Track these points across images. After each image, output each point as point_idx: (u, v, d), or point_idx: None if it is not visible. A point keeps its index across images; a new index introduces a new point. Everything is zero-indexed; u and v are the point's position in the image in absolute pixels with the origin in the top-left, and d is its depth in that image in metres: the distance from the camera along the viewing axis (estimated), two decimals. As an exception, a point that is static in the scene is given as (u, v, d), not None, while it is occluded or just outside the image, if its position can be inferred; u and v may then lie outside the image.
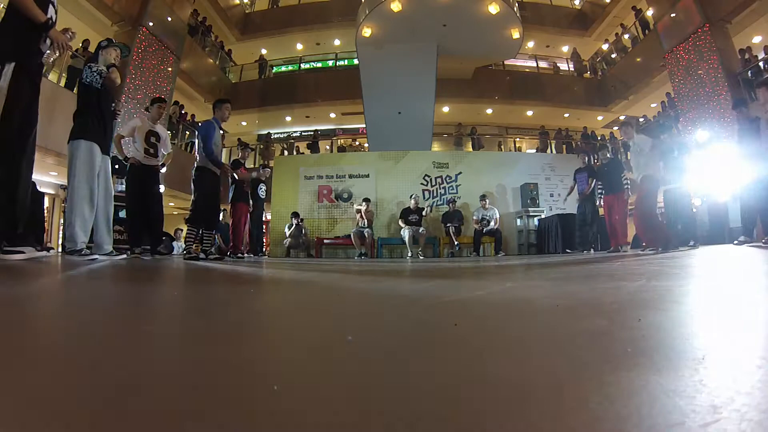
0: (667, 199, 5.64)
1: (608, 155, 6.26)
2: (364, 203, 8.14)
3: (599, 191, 6.21)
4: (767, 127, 4.20)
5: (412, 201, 7.98)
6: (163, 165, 4.55)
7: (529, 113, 15.37)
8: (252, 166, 12.33)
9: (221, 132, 4.35)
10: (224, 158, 10.60)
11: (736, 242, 4.55)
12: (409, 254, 7.65)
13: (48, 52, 2.50)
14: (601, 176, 6.10)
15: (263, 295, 1.40)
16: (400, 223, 7.95)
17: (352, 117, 14.91)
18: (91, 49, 8.51)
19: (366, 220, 7.92)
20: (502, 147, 13.76)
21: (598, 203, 6.42)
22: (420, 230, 7.69)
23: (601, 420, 0.32)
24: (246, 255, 6.30)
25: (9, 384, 0.39)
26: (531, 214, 8.62)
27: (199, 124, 4.47)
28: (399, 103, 11.11)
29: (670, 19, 10.46)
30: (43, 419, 0.31)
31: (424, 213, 7.88)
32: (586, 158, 7.01)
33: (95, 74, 3.07)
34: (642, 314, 0.79)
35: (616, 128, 15.28)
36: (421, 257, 7.18)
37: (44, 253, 2.43)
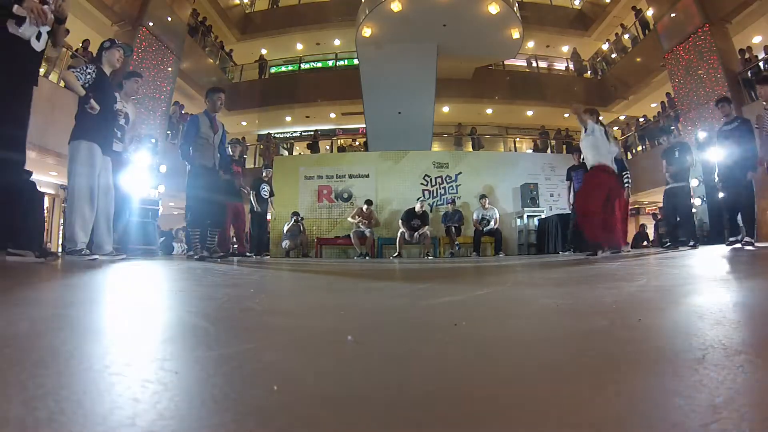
0: (668, 198, 5.62)
1: None
2: (365, 205, 8.08)
3: None
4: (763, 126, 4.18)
5: (418, 204, 7.78)
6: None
7: (529, 113, 15.37)
8: (253, 165, 12.34)
9: (210, 124, 4.04)
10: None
11: (740, 244, 4.50)
12: (395, 254, 7.57)
13: (25, 25, 2.25)
14: None
15: (260, 295, 1.40)
16: (401, 225, 7.78)
17: (352, 117, 14.91)
18: (92, 49, 8.51)
19: (366, 221, 7.88)
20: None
21: None
22: (424, 231, 7.56)
23: (602, 420, 0.32)
24: (248, 255, 6.29)
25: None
26: (531, 214, 8.62)
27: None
28: (399, 103, 11.10)
29: (670, 19, 10.45)
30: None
31: (420, 226, 7.69)
32: (580, 156, 6.98)
33: (88, 75, 3.07)
34: (642, 314, 0.79)
35: (616, 128, 15.30)
36: (430, 257, 7.15)
37: (41, 260, 2.36)
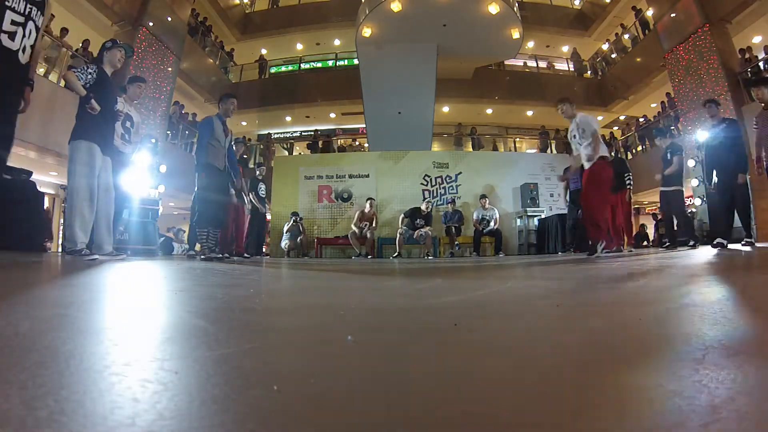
0: (662, 201, 5.71)
1: (612, 153, 6.27)
2: (368, 203, 8.04)
3: None
4: (763, 125, 4.18)
5: (424, 204, 7.77)
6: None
7: (529, 113, 15.38)
8: (253, 165, 12.34)
9: (223, 128, 4.14)
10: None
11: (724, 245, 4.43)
12: (395, 254, 7.55)
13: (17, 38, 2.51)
14: None
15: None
16: (401, 222, 7.74)
17: (352, 117, 14.90)
18: (92, 49, 8.51)
19: (367, 223, 7.85)
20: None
21: None
22: (425, 231, 7.52)
23: (602, 420, 0.32)
24: (246, 255, 6.28)
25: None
26: (531, 214, 8.62)
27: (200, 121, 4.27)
28: (399, 103, 11.09)
29: (670, 19, 10.45)
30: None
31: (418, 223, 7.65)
32: None
33: (89, 75, 3.07)
34: (642, 314, 0.79)
35: (616, 128, 15.30)
36: (430, 257, 7.15)
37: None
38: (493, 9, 9.55)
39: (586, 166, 4.09)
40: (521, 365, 0.50)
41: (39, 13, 2.66)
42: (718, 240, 4.28)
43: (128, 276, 1.92)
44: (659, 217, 10.03)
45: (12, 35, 2.45)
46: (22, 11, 2.52)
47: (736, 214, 4.52)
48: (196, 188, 4.13)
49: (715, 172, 4.61)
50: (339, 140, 14.65)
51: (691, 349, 0.51)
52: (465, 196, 9.07)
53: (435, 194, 9.20)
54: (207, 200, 4.10)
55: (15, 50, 2.49)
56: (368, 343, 0.62)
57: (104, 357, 0.50)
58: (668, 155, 5.56)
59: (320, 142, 13.09)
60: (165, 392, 0.37)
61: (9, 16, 2.44)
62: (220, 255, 4.32)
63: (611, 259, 3.44)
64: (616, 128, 15.29)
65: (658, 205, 6.85)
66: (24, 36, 2.53)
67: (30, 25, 2.58)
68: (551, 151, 13.12)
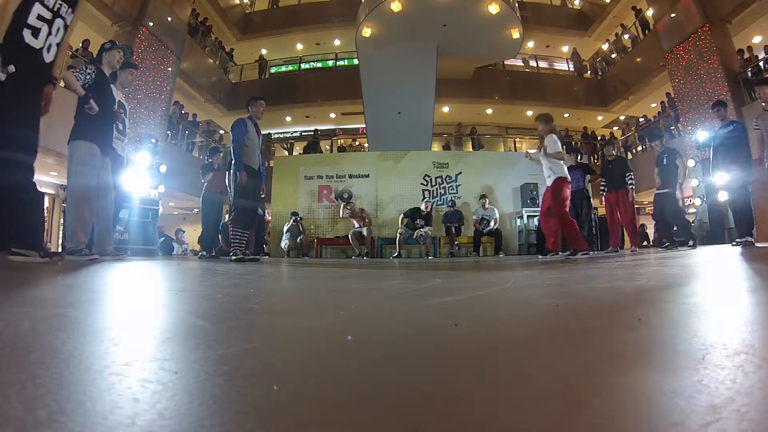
0: (656, 202, 5.77)
1: (613, 152, 6.28)
2: (348, 206, 8.02)
3: (602, 188, 6.14)
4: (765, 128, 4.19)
5: (423, 204, 7.79)
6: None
7: (529, 113, 15.40)
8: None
9: (256, 129, 4.29)
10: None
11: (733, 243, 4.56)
12: (395, 253, 7.57)
13: (41, 36, 2.38)
14: (605, 173, 6.06)
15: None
16: (401, 222, 7.75)
17: (352, 117, 14.91)
18: (92, 49, 8.51)
19: (359, 220, 7.85)
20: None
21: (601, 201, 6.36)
22: (425, 231, 7.53)
23: (602, 421, 0.32)
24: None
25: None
26: (531, 214, 8.61)
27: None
28: (399, 103, 11.10)
29: (670, 19, 10.45)
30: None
31: (419, 224, 7.66)
32: (578, 156, 6.98)
33: (87, 75, 3.09)
34: (642, 314, 0.79)
35: (616, 128, 15.30)
36: (430, 257, 7.18)
37: (46, 260, 2.35)
38: (493, 9, 9.56)
39: (548, 182, 4.46)
40: (521, 365, 0.50)
41: (69, 10, 2.51)
42: (747, 238, 4.33)
43: (128, 276, 1.92)
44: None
45: (36, 32, 2.32)
46: (51, 6, 2.38)
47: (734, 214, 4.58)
48: (231, 190, 4.13)
49: (722, 172, 4.67)
50: (339, 140, 14.65)
51: (691, 349, 0.51)
52: (465, 196, 9.07)
53: (435, 194, 9.19)
54: (244, 202, 4.13)
55: (38, 48, 2.36)
56: (368, 342, 0.62)
57: (104, 357, 0.50)
58: (664, 160, 5.62)
59: (313, 143, 12.99)
60: (165, 392, 0.37)
61: (37, 9, 2.30)
62: (251, 256, 4.39)
63: (611, 259, 3.44)
64: (616, 128, 15.29)
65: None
66: (50, 33, 2.39)
67: (58, 22, 2.44)
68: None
